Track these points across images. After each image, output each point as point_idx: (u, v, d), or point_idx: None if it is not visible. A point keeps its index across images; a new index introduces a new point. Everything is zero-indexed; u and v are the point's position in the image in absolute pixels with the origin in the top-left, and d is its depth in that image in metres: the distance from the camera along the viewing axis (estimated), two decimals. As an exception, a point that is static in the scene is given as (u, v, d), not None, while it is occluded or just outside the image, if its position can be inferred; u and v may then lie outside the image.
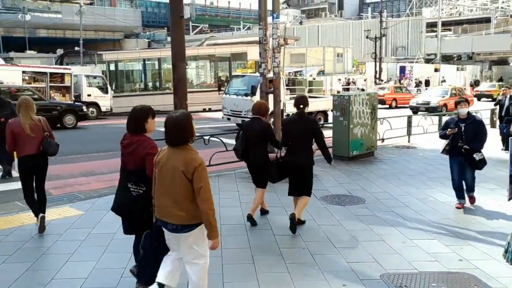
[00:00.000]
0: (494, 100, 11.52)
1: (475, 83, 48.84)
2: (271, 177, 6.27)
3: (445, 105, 24.24)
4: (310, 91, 23.02)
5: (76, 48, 31.03)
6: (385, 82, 38.49)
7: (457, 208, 7.06)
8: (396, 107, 28.60)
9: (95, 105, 22.61)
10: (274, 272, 4.78)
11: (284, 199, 7.06)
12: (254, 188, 6.55)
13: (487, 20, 59.68)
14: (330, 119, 12.95)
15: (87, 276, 4.66)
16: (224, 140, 10.18)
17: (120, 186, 4.17)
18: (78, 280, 4.57)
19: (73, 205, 7.30)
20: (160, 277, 3.73)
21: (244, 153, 6.40)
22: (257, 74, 18.29)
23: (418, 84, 40.61)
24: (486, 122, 9.28)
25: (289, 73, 27.78)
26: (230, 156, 9.63)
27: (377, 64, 39.11)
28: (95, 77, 23.49)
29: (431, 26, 57.52)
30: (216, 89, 26.40)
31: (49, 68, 22.53)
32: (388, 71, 44.22)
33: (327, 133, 8.51)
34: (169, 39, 48.89)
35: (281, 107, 10.96)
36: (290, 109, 14.07)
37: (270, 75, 9.87)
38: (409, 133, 13.78)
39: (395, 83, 37.33)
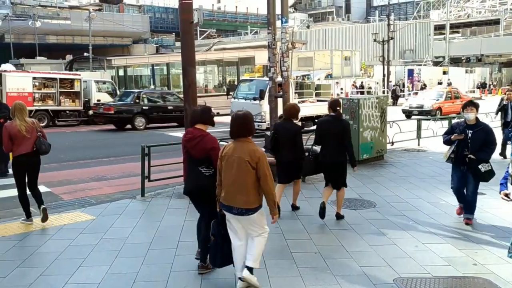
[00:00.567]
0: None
1: (482, 86, 48.47)
2: (305, 173, 7.00)
3: (439, 108, 22.95)
4: (317, 94, 23.01)
5: (85, 54, 31.24)
6: (394, 85, 38.29)
7: (458, 214, 6.61)
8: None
9: (105, 110, 22.71)
10: (287, 277, 4.77)
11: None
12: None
13: (496, 22, 59.29)
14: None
15: (100, 281, 4.68)
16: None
17: (190, 172, 4.75)
18: (91, 285, 4.58)
19: (85, 210, 7.33)
20: (239, 271, 4.38)
21: (273, 152, 6.86)
22: (266, 78, 18.33)
23: (423, 88, 40.38)
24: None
25: (297, 76, 27.77)
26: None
27: (385, 67, 38.96)
28: (104, 83, 23.65)
29: (439, 28, 57.25)
30: (225, 93, 26.43)
31: (59, 74, 22.74)
32: (396, 74, 44.05)
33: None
34: (177, 44, 49.05)
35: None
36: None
37: (279, 79, 9.88)
38: (418, 136, 13.71)
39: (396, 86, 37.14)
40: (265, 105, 15.74)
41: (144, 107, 19.95)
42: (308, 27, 68.17)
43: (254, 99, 16.38)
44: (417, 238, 5.86)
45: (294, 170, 6.76)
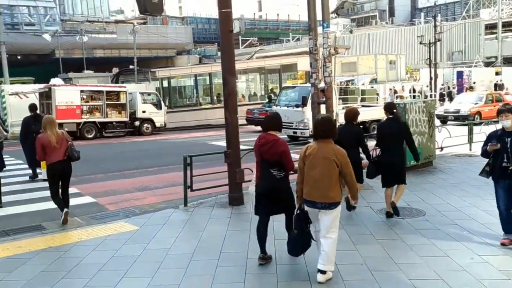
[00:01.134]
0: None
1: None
2: (369, 174, 7.26)
3: (478, 113, 21.00)
4: (362, 100, 22.55)
5: (131, 67, 32.03)
6: (441, 88, 37.05)
7: (502, 244, 5.62)
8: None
9: (150, 121, 23.17)
10: (332, 290, 4.57)
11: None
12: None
13: (551, 19, 56.44)
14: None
15: (142, 293, 4.64)
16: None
17: (264, 174, 5.22)
18: (133, 297, 4.55)
19: (129, 220, 7.38)
20: (321, 265, 4.75)
21: None
22: (308, 84, 18.12)
23: (468, 89, 38.73)
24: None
25: (341, 82, 27.35)
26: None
27: (432, 70, 37.77)
28: (149, 94, 24.12)
29: (490, 27, 55.01)
30: (267, 101, 26.37)
31: (106, 87, 23.37)
32: (444, 76, 42.62)
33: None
34: (219, 54, 49.43)
35: (334, 117, 10.73)
36: (343, 119, 13.78)
37: (322, 85, 9.68)
38: (470, 140, 13.10)
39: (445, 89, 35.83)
40: (307, 111, 15.52)
41: None
42: (351, 32, 67.35)
43: (297, 106, 16.20)
44: (472, 250, 5.51)
45: (357, 172, 6.58)
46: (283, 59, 29.97)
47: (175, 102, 27.88)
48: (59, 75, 31.83)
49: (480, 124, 14.91)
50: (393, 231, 6.30)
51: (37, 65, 46.81)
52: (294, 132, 16.19)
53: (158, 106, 23.53)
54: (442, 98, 33.47)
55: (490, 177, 5.81)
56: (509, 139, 5.46)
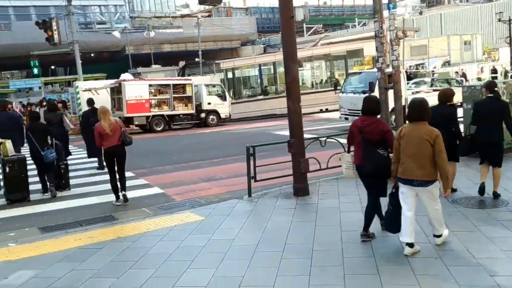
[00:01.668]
0: None
1: None
2: (461, 152, 7.16)
3: None
4: (432, 83, 21.43)
5: (196, 59, 32.57)
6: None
7: None
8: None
9: (215, 112, 23.45)
10: (402, 285, 4.29)
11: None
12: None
13: None
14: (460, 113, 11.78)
15: (206, 284, 4.60)
16: (342, 141, 9.70)
17: (368, 154, 5.36)
18: (197, 289, 4.53)
19: (194, 210, 7.43)
20: (407, 237, 4.98)
21: None
22: (375, 70, 17.47)
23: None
24: None
25: (410, 66, 26.20)
26: (350, 157, 9.19)
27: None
28: (214, 86, 24.39)
29: None
30: (332, 88, 25.84)
31: (172, 80, 23.91)
32: (526, 55, 39.68)
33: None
34: (283, 42, 49.11)
35: (403, 103, 10.23)
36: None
37: (389, 69, 9.22)
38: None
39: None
40: (375, 98, 15.01)
41: None
42: (420, 13, 64.41)
43: (364, 92, 15.61)
44: (562, 243, 4.98)
45: (450, 152, 6.30)
46: (349, 44, 29.17)
47: (239, 93, 28.02)
48: (129, 71, 33.03)
49: None
50: (471, 222, 5.85)
51: (109, 62, 49.02)
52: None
53: (223, 97, 23.74)
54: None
55: None
56: None
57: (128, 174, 10.77)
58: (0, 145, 9.01)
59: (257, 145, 8.20)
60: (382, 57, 8.77)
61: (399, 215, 5.08)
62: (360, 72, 18.45)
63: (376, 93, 14.43)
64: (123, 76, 23.61)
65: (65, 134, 11.15)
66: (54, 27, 22.92)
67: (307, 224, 6.33)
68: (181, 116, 22.65)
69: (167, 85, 22.41)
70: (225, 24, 51.22)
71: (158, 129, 21.83)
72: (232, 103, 24.47)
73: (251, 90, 29.25)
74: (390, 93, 9.03)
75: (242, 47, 54.64)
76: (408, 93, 15.62)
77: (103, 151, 8.49)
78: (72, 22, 24.95)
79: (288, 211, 7.04)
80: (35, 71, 27.98)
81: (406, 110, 6.60)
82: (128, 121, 21.28)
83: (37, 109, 18.68)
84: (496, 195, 6.76)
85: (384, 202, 5.52)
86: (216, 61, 29.10)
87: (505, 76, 30.95)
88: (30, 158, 9.44)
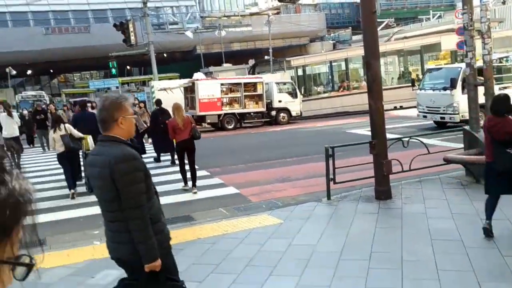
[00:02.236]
0: None
1: None
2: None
3: None
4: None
5: (266, 57, 32.54)
6: None
7: None
8: None
9: (286, 110, 23.25)
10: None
11: (506, 209, 5.92)
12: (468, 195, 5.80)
13: None
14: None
15: (290, 293, 4.43)
16: (425, 141, 9.19)
17: (499, 154, 5.24)
18: (282, 298, 4.36)
19: (272, 212, 7.28)
20: None
21: None
22: (456, 65, 16.52)
23: None
24: None
25: (493, 60, 24.54)
26: (432, 158, 8.69)
27: None
28: (284, 83, 24.20)
29: None
30: (407, 85, 24.82)
31: (243, 79, 24.00)
32: None
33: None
34: (354, 38, 48.09)
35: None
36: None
37: (479, 64, 8.57)
38: None
39: None
40: (457, 94, 14.14)
41: None
42: (503, 2, 60.44)
43: (444, 89, 14.80)
44: None
45: None
46: (425, 38, 27.84)
47: (310, 90, 27.65)
48: (201, 70, 33.64)
49: None
50: None
51: (180, 62, 50.29)
52: (442, 118, 14.87)
53: (293, 95, 23.50)
54: None
55: None
56: None
57: (203, 172, 11.02)
58: (83, 140, 9.87)
59: (336, 146, 7.91)
60: (471, 52, 8.15)
61: None
62: (440, 68, 17.47)
63: (458, 89, 13.70)
64: (196, 75, 24.04)
65: (138, 132, 12.12)
66: (131, 29, 23.76)
67: (392, 231, 5.98)
68: (251, 114, 22.69)
69: (238, 84, 22.53)
70: (293, 21, 50.87)
71: (229, 127, 22.00)
72: (303, 101, 24.17)
73: (322, 87, 28.78)
74: (479, 90, 8.39)
75: (310, 44, 54.02)
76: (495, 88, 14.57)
77: (175, 144, 9.54)
78: (147, 23, 25.76)
79: (371, 215, 6.71)
80: (114, 71, 29.21)
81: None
82: (200, 119, 21.64)
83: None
84: None
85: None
86: (287, 59, 28.89)
87: None
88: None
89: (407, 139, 8.60)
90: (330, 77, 28.98)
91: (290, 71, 27.38)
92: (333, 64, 28.30)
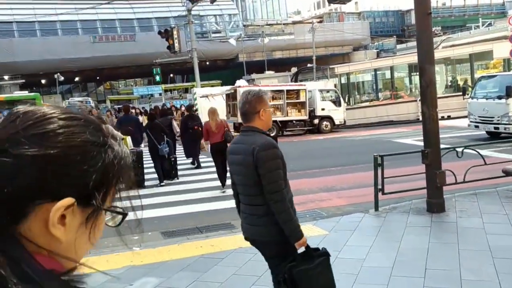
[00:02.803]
0: None
1: None
2: None
3: None
4: None
5: (309, 65, 32.26)
6: None
7: None
8: None
9: (329, 118, 22.80)
10: None
11: None
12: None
13: None
14: None
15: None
16: (481, 152, 8.62)
17: None
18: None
19: (316, 223, 6.95)
20: None
21: None
22: (511, 72, 15.69)
23: None
24: None
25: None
26: (487, 170, 8.14)
27: None
28: (328, 91, 23.76)
29: None
30: (456, 94, 23.90)
31: (286, 86, 23.73)
32: None
33: None
34: (398, 47, 47.17)
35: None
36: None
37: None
38: None
39: None
40: (513, 103, 13.42)
41: None
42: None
43: (499, 97, 14.03)
44: None
45: None
46: (475, 46, 26.82)
47: (354, 98, 27.11)
48: (243, 77, 33.69)
49: None
50: None
51: (223, 69, 50.71)
52: (495, 128, 14.09)
53: (337, 103, 23.02)
54: None
55: None
56: None
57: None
58: (122, 141, 10.15)
59: (385, 155, 7.51)
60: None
61: None
62: (494, 75, 16.61)
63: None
64: (238, 82, 23.98)
65: (173, 136, 12.75)
66: (175, 36, 24.01)
67: (448, 247, 5.54)
68: (293, 122, 22.35)
69: (281, 91, 22.25)
70: (337, 30, 50.42)
71: (271, 135, 21.61)
72: (346, 109, 23.66)
73: (366, 95, 28.18)
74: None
75: (354, 52, 53.40)
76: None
77: (209, 146, 9.97)
78: (191, 30, 26.00)
79: (423, 229, 6.28)
80: (158, 78, 29.63)
81: None
82: (241, 126, 21.53)
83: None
84: None
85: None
86: (330, 66, 28.48)
87: None
88: (147, 153, 11.39)
89: (461, 149, 8.07)
90: (374, 85, 28.35)
91: (333, 79, 26.94)
92: (377, 72, 27.67)
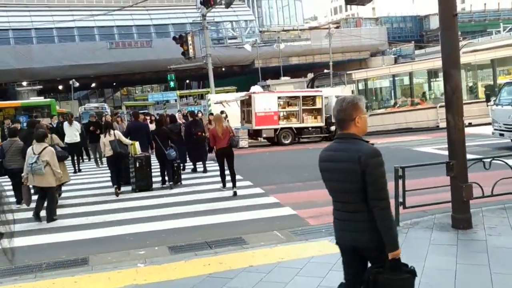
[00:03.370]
0: None
1: None
2: None
3: None
4: None
5: (325, 71, 31.79)
6: None
7: None
8: None
9: (347, 125, 22.25)
10: None
11: None
12: None
13: None
14: None
15: None
16: (510, 162, 8.06)
17: None
18: None
19: (333, 239, 6.46)
20: None
21: None
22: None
23: None
24: None
25: None
26: (519, 182, 7.57)
27: None
28: (345, 97, 23.27)
29: None
30: (479, 100, 23.20)
31: (301, 92, 23.32)
32: None
33: None
34: (416, 52, 46.42)
35: None
36: None
37: None
38: None
39: None
40: (541, 111, 12.78)
41: None
42: None
43: (527, 104, 13.41)
44: None
45: None
46: (498, 51, 26.08)
47: (372, 104, 26.54)
48: (258, 83, 33.38)
49: None
50: None
51: (238, 75, 50.49)
52: (522, 136, 13.48)
53: (353, 109, 22.47)
54: None
55: None
56: None
57: (257, 190, 10.51)
58: (131, 146, 11.21)
59: (407, 166, 7.02)
60: None
61: None
62: (522, 81, 15.94)
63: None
64: (253, 88, 23.66)
65: (182, 142, 13.06)
66: (190, 41, 23.79)
67: (478, 269, 5.05)
68: (309, 129, 21.89)
69: (296, 97, 21.85)
70: (354, 35, 49.87)
71: (286, 142, 21.31)
72: (364, 116, 23.12)
73: (384, 102, 27.60)
74: None
75: (371, 58, 52.73)
76: None
77: (215, 151, 10.25)
78: (206, 35, 25.77)
79: (449, 248, 5.78)
80: (172, 84, 29.45)
81: None
82: (256, 133, 21.12)
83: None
84: None
85: None
86: (348, 72, 27.99)
87: None
88: (154, 158, 11.78)
89: (489, 160, 7.53)
90: (392, 91, 27.77)
91: (350, 85, 26.44)
92: (396, 78, 27.09)
